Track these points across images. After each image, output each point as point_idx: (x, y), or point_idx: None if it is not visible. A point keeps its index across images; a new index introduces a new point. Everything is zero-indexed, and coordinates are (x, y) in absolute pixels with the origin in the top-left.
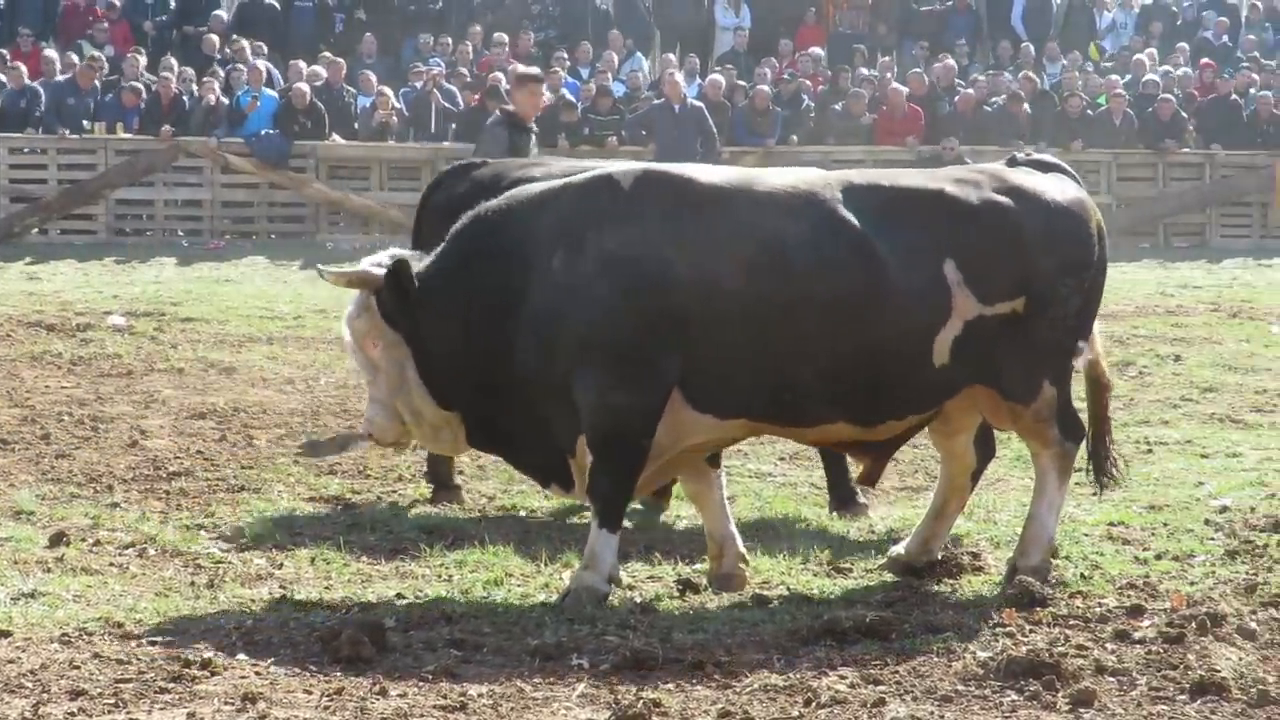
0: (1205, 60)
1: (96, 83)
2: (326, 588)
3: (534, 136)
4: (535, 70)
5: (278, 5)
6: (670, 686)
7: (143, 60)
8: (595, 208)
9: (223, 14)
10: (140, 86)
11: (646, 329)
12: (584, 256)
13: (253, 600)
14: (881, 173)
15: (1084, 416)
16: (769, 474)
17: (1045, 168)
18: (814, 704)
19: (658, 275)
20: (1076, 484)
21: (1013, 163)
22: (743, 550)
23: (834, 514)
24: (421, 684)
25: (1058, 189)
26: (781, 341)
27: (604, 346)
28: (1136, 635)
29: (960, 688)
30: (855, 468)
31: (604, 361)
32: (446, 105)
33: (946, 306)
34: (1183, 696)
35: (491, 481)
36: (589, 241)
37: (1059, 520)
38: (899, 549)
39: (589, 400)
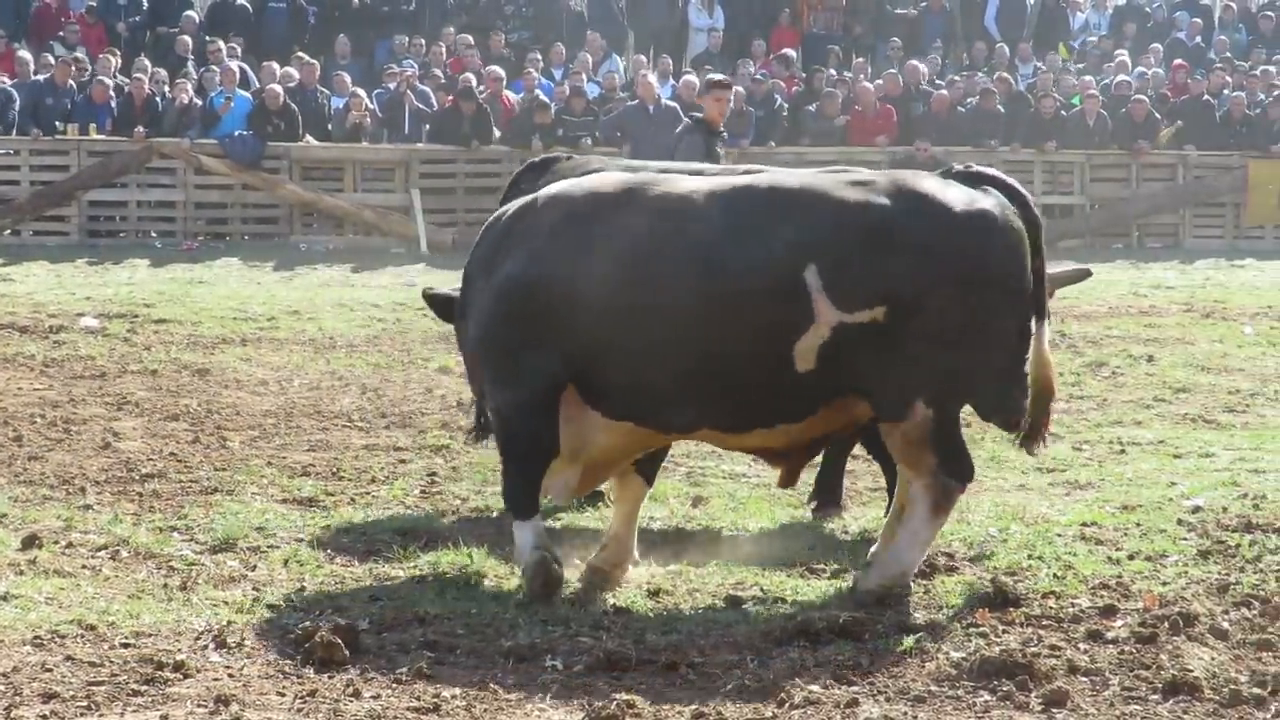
0: (1178, 61)
1: (72, 82)
2: (300, 590)
3: (722, 140)
4: (723, 76)
5: (249, 7)
6: (644, 687)
7: (115, 61)
8: (512, 226)
9: (195, 15)
10: (108, 81)
11: (521, 330)
12: (493, 271)
13: (226, 602)
14: (786, 174)
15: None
16: (743, 475)
17: (979, 180)
18: (787, 704)
19: (534, 282)
20: (1050, 484)
21: (948, 173)
22: (629, 557)
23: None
24: (395, 685)
25: (961, 200)
26: (637, 345)
27: (488, 349)
28: (1109, 635)
29: (934, 688)
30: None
31: (488, 362)
32: (420, 106)
33: (808, 313)
34: (1155, 696)
35: (465, 483)
36: (498, 258)
37: (922, 555)
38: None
39: (488, 401)
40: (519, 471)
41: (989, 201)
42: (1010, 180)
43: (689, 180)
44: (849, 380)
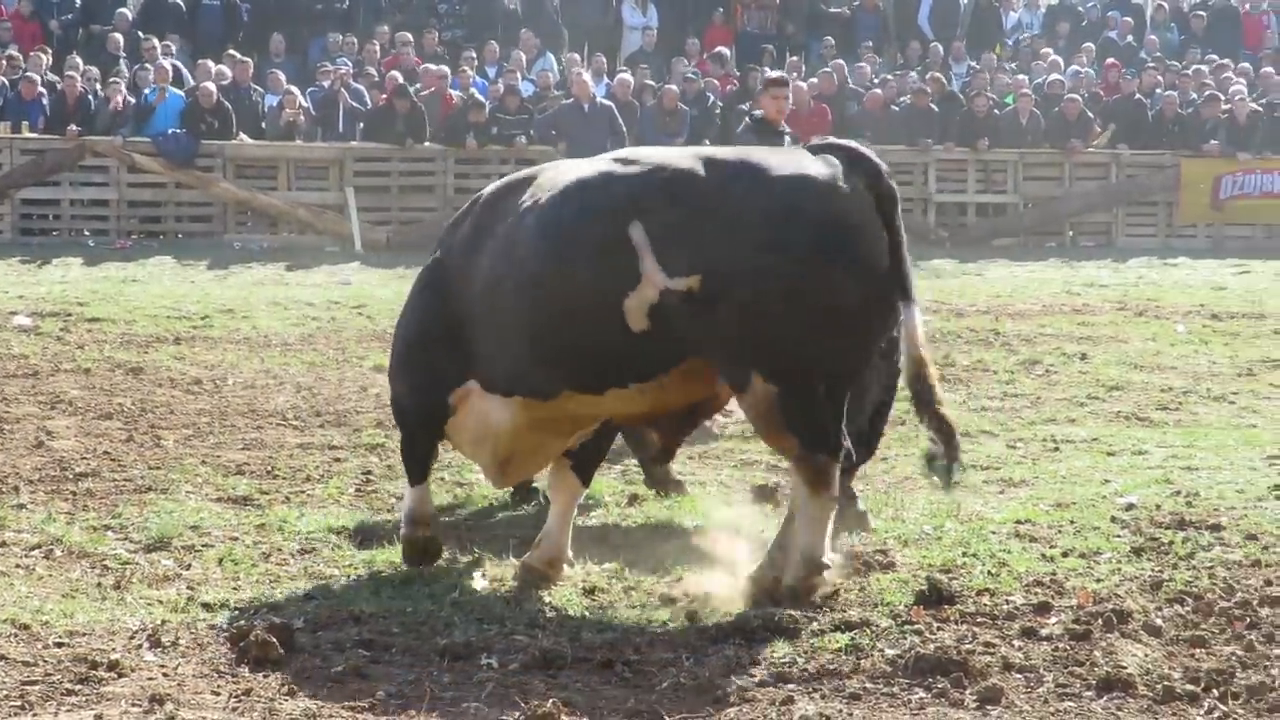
0: (1111, 60)
1: (4, 79)
2: (234, 588)
3: (788, 139)
4: (780, 74)
5: (183, 4)
6: (579, 686)
7: (46, 59)
8: (456, 219)
9: (128, 12)
10: (36, 78)
11: (429, 331)
12: (432, 259)
13: (160, 601)
14: (649, 148)
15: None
16: (678, 473)
17: (828, 150)
18: (723, 702)
19: (445, 280)
20: (984, 482)
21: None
22: (564, 555)
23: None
24: (330, 684)
25: (784, 167)
26: (506, 315)
27: (404, 331)
28: (1043, 632)
29: (869, 685)
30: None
31: (399, 344)
32: (354, 104)
33: (634, 270)
34: (1089, 693)
35: (400, 481)
36: (440, 248)
37: (826, 534)
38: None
39: (390, 378)
40: (410, 451)
41: (818, 169)
42: (863, 150)
43: (579, 160)
44: (686, 346)
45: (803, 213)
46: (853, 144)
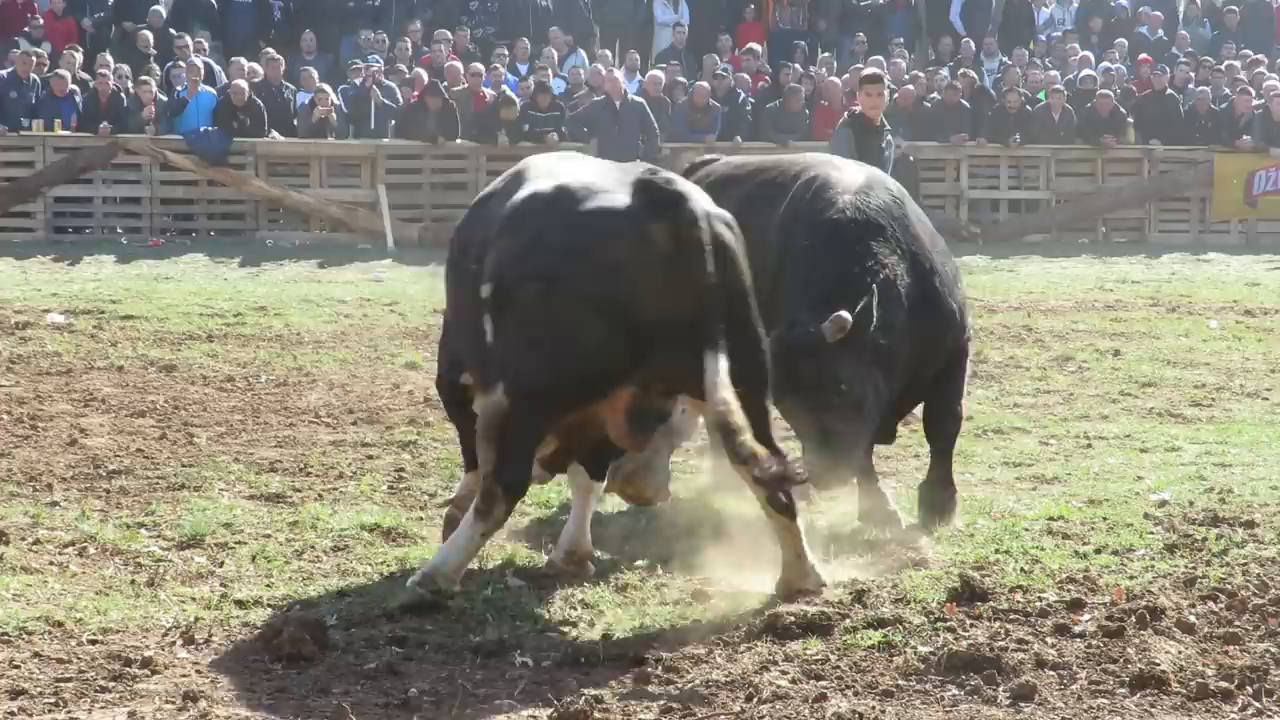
0: (1143, 56)
1: (37, 78)
2: (267, 585)
3: (887, 135)
4: (876, 70)
5: (214, 2)
6: (612, 683)
7: (78, 57)
8: None
9: (161, 10)
10: (66, 74)
11: (451, 315)
12: None
13: (193, 598)
14: (551, 161)
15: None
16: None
17: (650, 190)
18: (755, 699)
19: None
20: (1017, 479)
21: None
22: (586, 551)
23: None
24: (363, 682)
25: (593, 201)
26: (454, 306)
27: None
28: (1076, 629)
29: (901, 682)
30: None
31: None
32: (386, 102)
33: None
34: (1122, 690)
35: (432, 479)
36: None
37: (462, 558)
38: None
39: None
40: (454, 423)
41: (615, 206)
42: (674, 193)
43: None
44: None
45: (566, 245)
46: (671, 185)
